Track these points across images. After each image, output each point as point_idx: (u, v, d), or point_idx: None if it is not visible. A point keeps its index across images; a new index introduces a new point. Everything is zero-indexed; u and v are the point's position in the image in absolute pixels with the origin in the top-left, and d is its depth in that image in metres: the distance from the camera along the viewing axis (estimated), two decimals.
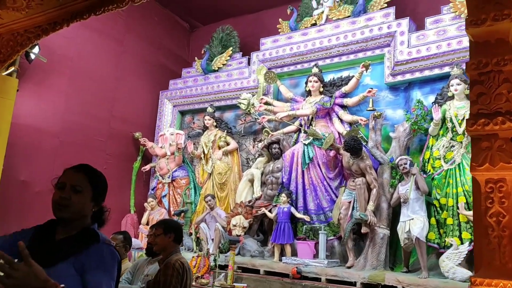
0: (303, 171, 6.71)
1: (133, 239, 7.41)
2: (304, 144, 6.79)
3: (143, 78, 9.25)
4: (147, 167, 8.78)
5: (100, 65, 8.38)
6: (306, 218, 6.45)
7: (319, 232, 6.27)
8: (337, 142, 6.56)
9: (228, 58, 8.64)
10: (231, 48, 8.66)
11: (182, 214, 7.89)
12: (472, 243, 5.10)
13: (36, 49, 6.69)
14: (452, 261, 5.00)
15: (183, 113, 9.25)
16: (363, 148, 6.06)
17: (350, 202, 6.13)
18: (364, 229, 5.83)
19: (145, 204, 8.21)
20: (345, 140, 5.98)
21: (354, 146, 5.86)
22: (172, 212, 8.05)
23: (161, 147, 8.58)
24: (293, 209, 6.53)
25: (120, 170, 8.63)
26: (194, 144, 8.44)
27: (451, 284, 4.87)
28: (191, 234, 7.66)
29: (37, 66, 7.12)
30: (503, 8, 2.42)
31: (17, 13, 5.21)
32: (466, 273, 4.89)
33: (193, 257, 6.38)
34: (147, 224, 8.03)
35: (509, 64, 2.35)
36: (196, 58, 9.12)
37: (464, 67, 5.58)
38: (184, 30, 10.53)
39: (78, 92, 7.92)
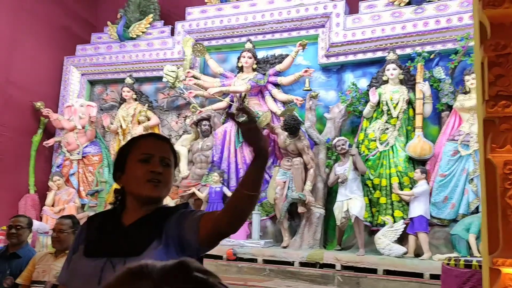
0: (236, 150, 6.49)
1: (40, 223, 6.57)
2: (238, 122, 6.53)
3: (45, 41, 8.08)
4: (51, 141, 7.77)
5: None
6: None
7: (253, 212, 6.13)
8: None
9: (148, 25, 7.95)
10: (151, 15, 7.97)
11: (96, 194, 7.15)
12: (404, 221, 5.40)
13: None
14: (388, 238, 5.23)
15: (92, 83, 8.33)
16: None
17: (285, 182, 6.08)
18: (301, 209, 5.83)
19: (50, 183, 7.28)
20: (285, 119, 5.88)
21: (294, 125, 5.79)
22: (84, 192, 7.27)
23: (68, 120, 7.63)
24: (225, 189, 6.29)
25: (17, 144, 7.51)
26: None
27: (388, 260, 5.09)
28: None
29: None
30: None
31: None
32: (402, 249, 5.15)
33: None
34: (53, 205, 7.16)
35: None
36: (109, 23, 8.22)
37: (397, 53, 5.81)
38: None
39: None
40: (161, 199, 1.38)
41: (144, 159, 1.35)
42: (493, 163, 2.43)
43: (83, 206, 7.30)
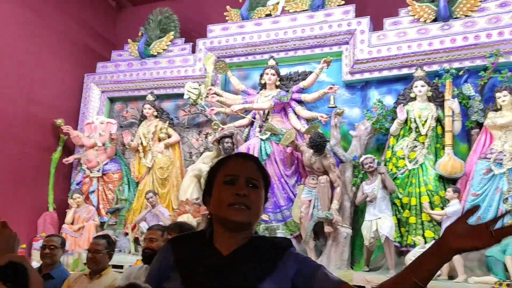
0: None
1: None
2: (261, 139, 6.47)
3: (65, 58, 8.12)
4: (71, 158, 7.72)
5: (15, 38, 7.14)
6: (264, 217, 6.14)
7: (277, 231, 6.01)
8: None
9: (169, 43, 7.96)
10: (172, 32, 7.98)
11: (116, 212, 7.07)
12: None
13: None
14: None
15: (112, 100, 8.33)
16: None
17: (310, 201, 5.96)
18: (327, 229, 5.69)
19: (70, 200, 7.22)
20: (311, 137, 5.78)
21: (320, 143, 5.69)
22: (104, 210, 7.20)
23: (88, 137, 7.60)
24: None
25: (36, 162, 7.47)
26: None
27: None
28: (126, 234, 6.89)
29: None
30: None
31: None
32: None
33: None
34: (72, 223, 7.08)
35: None
36: (129, 40, 8.24)
37: (425, 70, 5.71)
38: (111, 9, 9.53)
39: None
40: (250, 224, 1.28)
41: (229, 181, 1.26)
42: None
43: (102, 224, 7.22)
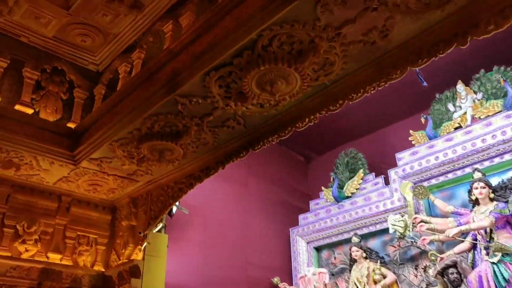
0: None
1: None
2: (492, 262, 5.59)
3: (270, 218, 8.82)
4: None
5: (229, 211, 8.14)
6: None
7: None
8: None
9: (361, 181, 8.04)
10: (361, 170, 8.11)
11: None
12: None
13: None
14: None
15: (318, 249, 8.45)
16: None
17: None
18: None
19: None
20: None
21: None
22: None
23: None
24: None
25: None
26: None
27: None
28: None
29: (174, 218, 6.94)
30: None
31: (169, 165, 5.07)
32: None
33: None
34: None
35: None
36: (322, 188, 8.61)
37: None
38: (301, 164, 10.32)
39: (213, 243, 7.58)
40: None
41: None
42: None
43: None
